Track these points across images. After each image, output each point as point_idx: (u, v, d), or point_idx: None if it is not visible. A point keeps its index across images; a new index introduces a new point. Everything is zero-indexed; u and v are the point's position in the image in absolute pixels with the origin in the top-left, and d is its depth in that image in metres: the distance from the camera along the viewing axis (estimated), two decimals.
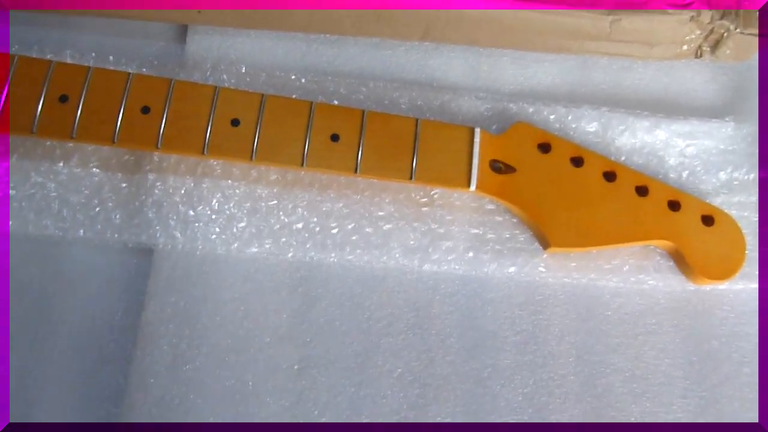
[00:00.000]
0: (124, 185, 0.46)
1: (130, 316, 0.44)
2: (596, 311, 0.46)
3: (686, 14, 0.47)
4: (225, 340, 0.43)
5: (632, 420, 0.43)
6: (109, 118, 0.42)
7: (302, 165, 0.43)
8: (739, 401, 0.44)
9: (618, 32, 0.47)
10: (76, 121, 0.42)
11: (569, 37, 0.48)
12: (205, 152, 0.42)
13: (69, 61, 0.47)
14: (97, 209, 0.45)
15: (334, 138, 0.44)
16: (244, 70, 0.49)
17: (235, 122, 0.43)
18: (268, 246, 0.45)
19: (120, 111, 0.42)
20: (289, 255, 0.45)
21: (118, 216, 0.45)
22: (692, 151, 0.48)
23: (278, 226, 0.45)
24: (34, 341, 0.43)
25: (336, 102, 0.48)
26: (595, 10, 0.46)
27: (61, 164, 0.46)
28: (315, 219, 0.46)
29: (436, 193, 0.47)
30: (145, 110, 0.43)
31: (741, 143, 0.49)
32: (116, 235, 0.45)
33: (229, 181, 0.46)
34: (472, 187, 0.44)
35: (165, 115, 0.43)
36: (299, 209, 0.46)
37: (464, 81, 0.50)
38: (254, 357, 0.43)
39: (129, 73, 0.43)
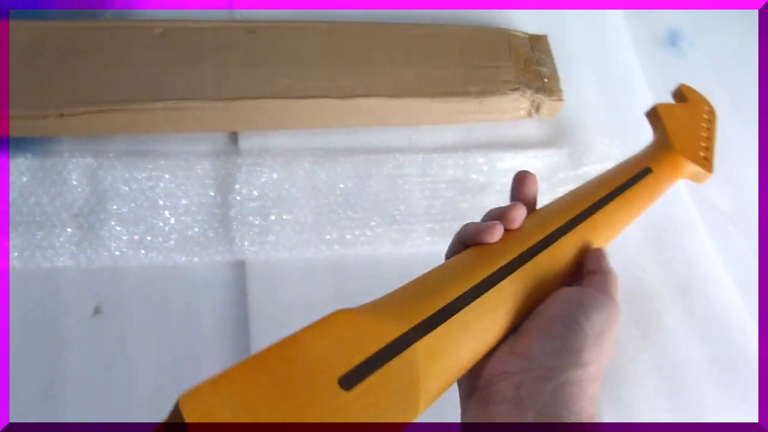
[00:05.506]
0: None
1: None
2: None
3: (518, 94, 0.85)
4: None
5: None
6: None
7: None
8: None
9: (484, 108, 0.85)
10: None
11: (460, 114, 0.85)
12: None
13: None
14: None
15: None
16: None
17: None
18: None
19: None
20: None
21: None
22: (539, 164, 0.85)
23: None
24: None
25: None
26: (469, 97, 0.84)
27: None
28: None
29: None
30: None
31: (562, 158, 0.86)
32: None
33: None
34: None
35: None
36: None
37: (405, 145, 0.85)
38: None
39: None
